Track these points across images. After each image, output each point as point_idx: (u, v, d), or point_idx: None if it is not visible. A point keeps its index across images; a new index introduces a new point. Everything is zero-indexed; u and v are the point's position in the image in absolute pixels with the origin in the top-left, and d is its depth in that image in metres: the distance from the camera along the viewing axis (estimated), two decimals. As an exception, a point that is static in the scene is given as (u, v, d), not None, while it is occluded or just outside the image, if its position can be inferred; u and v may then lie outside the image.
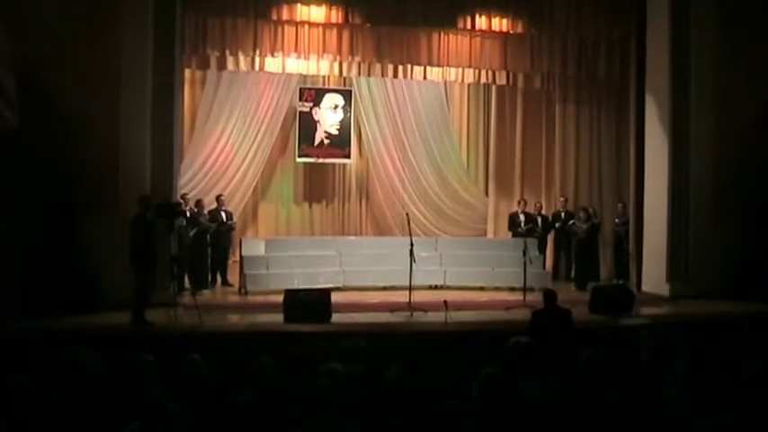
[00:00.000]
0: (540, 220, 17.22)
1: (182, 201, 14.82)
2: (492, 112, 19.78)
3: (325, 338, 7.45)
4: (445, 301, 11.92)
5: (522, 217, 17.20)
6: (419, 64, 16.77)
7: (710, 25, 15.06)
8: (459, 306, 12.93)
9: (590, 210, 16.98)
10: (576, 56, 17.19)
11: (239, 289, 15.31)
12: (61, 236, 12.62)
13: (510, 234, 17.54)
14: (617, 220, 17.08)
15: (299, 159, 19.11)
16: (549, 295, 10.58)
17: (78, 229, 12.81)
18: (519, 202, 17.76)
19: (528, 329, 9.72)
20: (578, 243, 16.70)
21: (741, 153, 14.94)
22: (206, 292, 15.03)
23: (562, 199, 17.66)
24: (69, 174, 12.67)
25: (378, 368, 6.33)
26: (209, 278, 15.67)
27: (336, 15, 15.59)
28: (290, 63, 16.38)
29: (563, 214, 17.19)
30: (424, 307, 12.94)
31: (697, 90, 15.08)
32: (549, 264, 17.30)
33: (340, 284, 15.37)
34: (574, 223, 16.67)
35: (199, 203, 15.70)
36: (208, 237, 15.57)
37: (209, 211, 15.82)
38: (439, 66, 16.88)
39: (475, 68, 17.20)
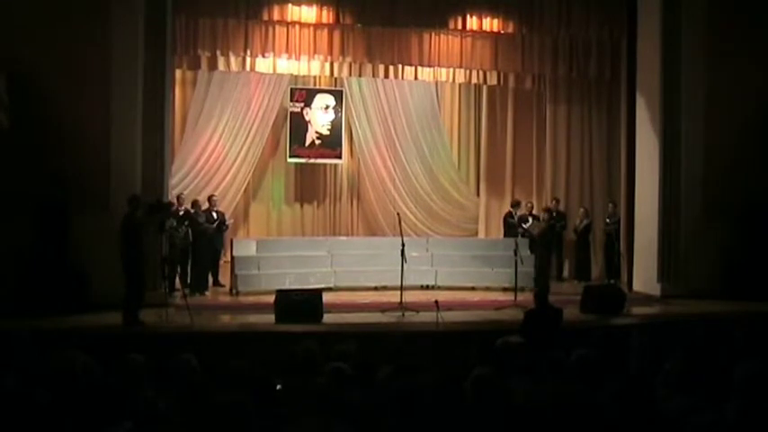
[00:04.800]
0: (531, 220, 17.23)
1: (175, 201, 14.82)
2: (483, 113, 19.81)
3: (317, 339, 7.42)
4: (436, 301, 11.90)
5: (516, 217, 17.22)
6: (410, 64, 16.81)
7: (702, 25, 15.08)
8: (451, 306, 12.94)
9: (583, 209, 17.06)
10: (567, 56, 17.24)
11: (230, 289, 15.31)
12: (52, 236, 12.60)
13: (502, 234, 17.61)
14: (608, 220, 17.17)
15: (290, 160, 19.10)
16: (540, 295, 10.60)
17: (70, 230, 12.78)
18: (514, 204, 17.75)
19: (520, 329, 9.74)
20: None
21: (732, 153, 14.97)
22: (207, 293, 15.14)
23: (554, 201, 17.75)
24: (60, 174, 12.65)
25: (369, 368, 6.33)
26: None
27: (327, 16, 15.58)
28: (281, 63, 16.42)
29: (554, 215, 17.23)
30: (416, 307, 12.94)
31: (688, 90, 15.09)
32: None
33: (331, 285, 15.38)
34: (546, 221, 16.62)
35: (195, 204, 15.67)
36: (204, 238, 15.54)
37: (201, 212, 15.75)
38: (430, 66, 16.93)
39: (466, 69, 17.26)
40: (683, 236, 15.13)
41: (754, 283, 14.10)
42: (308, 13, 15.54)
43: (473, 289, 15.88)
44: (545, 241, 16.15)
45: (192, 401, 5.37)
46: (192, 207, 15.57)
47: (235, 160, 18.31)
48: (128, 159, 13.46)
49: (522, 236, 16.29)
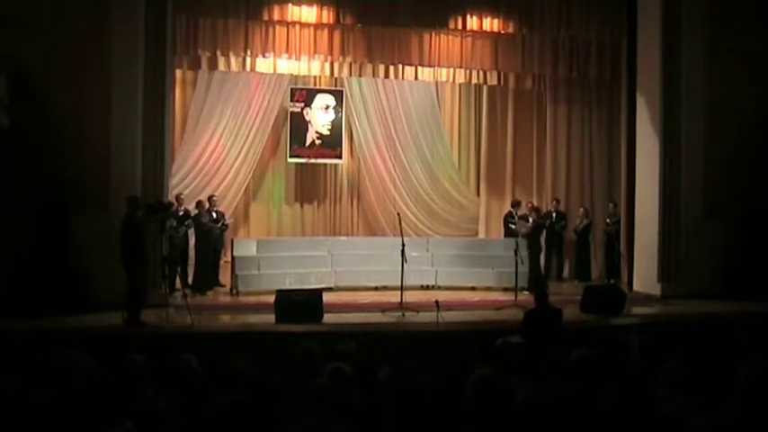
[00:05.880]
0: (531, 220, 17.20)
1: (174, 201, 14.81)
2: (483, 113, 19.82)
3: (317, 339, 7.42)
4: (437, 301, 11.89)
5: (516, 217, 17.20)
6: (410, 64, 16.79)
7: (701, 26, 15.07)
8: (451, 306, 12.92)
9: (583, 209, 17.05)
10: (568, 56, 17.22)
11: (231, 289, 15.30)
12: (52, 236, 12.59)
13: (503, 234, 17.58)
14: (608, 220, 17.16)
15: (290, 160, 19.11)
16: (540, 295, 10.59)
17: (70, 230, 12.77)
18: (515, 204, 17.73)
19: (520, 329, 9.73)
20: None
21: (732, 153, 14.96)
22: (209, 293, 15.16)
23: (554, 201, 17.78)
24: (60, 174, 12.64)
25: (369, 368, 6.32)
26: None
27: (327, 16, 15.55)
28: (282, 63, 16.41)
29: (554, 215, 17.23)
30: (416, 307, 12.93)
31: (688, 91, 15.07)
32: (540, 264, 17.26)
33: (332, 285, 15.38)
34: (534, 221, 16.56)
35: (199, 205, 15.67)
36: (208, 238, 15.54)
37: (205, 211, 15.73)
38: (430, 66, 16.91)
39: (466, 69, 17.24)
40: (683, 236, 15.12)
41: (754, 283, 14.09)
42: (309, 13, 15.52)
43: (473, 289, 15.87)
44: (535, 240, 16.10)
45: (192, 401, 5.37)
46: (197, 207, 15.57)
47: (235, 160, 18.32)
48: (128, 159, 13.44)
49: (523, 236, 16.27)
